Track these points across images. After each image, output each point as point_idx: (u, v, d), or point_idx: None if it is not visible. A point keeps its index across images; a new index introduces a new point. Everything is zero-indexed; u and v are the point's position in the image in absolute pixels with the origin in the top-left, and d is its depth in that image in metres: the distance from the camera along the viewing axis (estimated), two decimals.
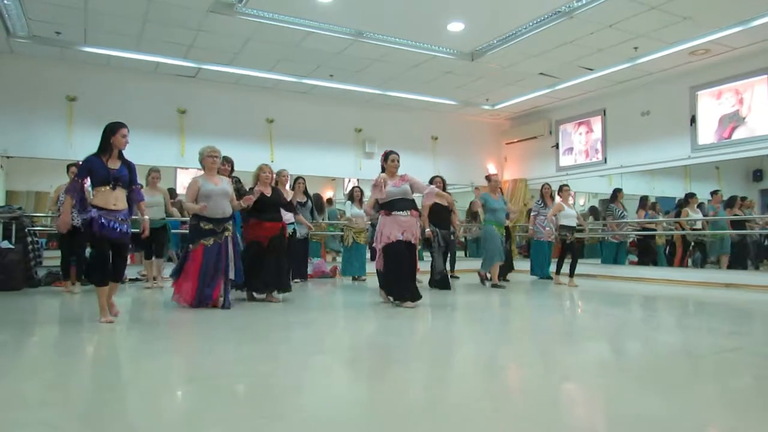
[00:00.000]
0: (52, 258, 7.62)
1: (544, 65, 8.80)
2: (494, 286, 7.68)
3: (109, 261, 4.36)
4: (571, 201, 8.56)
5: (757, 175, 10.02)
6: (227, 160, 6.37)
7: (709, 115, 8.75)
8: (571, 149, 11.12)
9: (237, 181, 6.68)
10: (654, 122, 9.53)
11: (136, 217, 4.71)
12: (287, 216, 6.50)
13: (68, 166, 6.76)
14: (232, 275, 5.35)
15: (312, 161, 10.15)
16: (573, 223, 8.15)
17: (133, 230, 4.65)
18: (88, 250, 6.52)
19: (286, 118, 10.07)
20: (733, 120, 8.43)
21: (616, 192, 9.71)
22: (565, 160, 11.18)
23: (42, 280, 7.40)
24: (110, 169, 4.29)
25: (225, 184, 5.48)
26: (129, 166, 4.48)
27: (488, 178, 8.24)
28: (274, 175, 6.40)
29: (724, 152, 8.57)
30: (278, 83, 9.55)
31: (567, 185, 8.60)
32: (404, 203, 5.49)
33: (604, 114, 10.46)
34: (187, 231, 6.10)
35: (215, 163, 5.46)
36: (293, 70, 9.05)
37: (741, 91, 8.35)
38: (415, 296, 5.51)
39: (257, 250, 5.80)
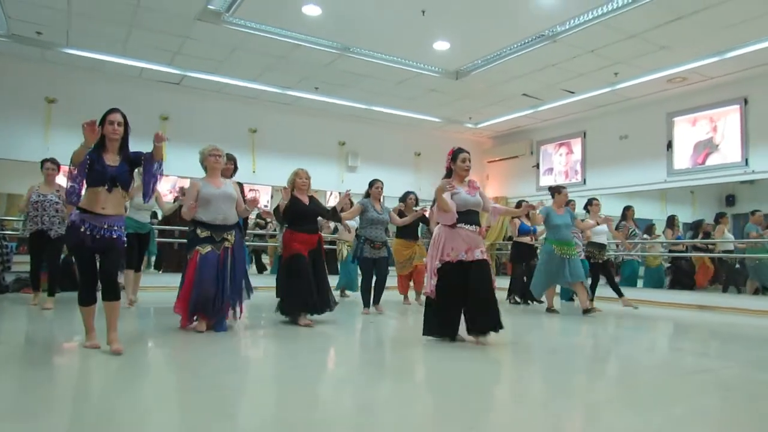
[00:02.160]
0: (23, 263, 7.42)
1: (527, 86, 8.95)
2: (548, 310, 6.93)
3: (93, 277, 3.60)
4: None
5: (730, 200, 10.28)
6: (231, 159, 5.53)
7: (684, 141, 8.98)
8: (551, 169, 11.29)
9: (239, 186, 5.86)
10: (632, 146, 9.74)
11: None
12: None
13: (43, 162, 6.21)
14: (228, 293, 4.58)
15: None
16: (604, 240, 7.39)
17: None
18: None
19: (269, 128, 10.05)
20: (707, 146, 8.66)
21: (626, 210, 8.56)
22: (546, 180, 11.33)
23: (10, 286, 7.20)
24: (108, 165, 3.54)
25: (229, 186, 4.78)
26: (132, 161, 3.69)
27: (558, 190, 6.91)
28: (310, 181, 5.54)
29: (698, 177, 8.79)
30: (262, 93, 9.55)
31: (597, 199, 7.69)
32: (474, 217, 4.44)
33: (585, 136, 10.66)
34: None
35: (218, 163, 4.77)
36: (278, 81, 9.06)
37: (715, 119, 8.59)
38: (495, 325, 4.25)
39: (298, 262, 5.08)
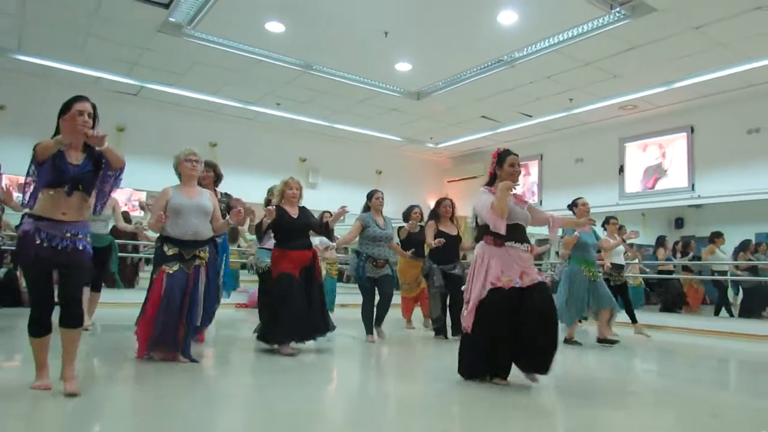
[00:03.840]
0: None
1: (486, 109, 9.15)
2: (567, 341, 5.88)
3: (49, 299, 2.92)
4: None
5: (679, 223, 10.72)
6: (210, 166, 4.91)
7: (635, 166, 9.34)
8: None
9: (226, 197, 5.11)
10: (586, 169, 10.05)
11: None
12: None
13: None
14: (197, 321, 4.04)
15: (255, 188, 9.98)
16: (621, 260, 6.79)
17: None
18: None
19: (229, 143, 9.94)
20: (657, 171, 9.03)
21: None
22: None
23: None
24: (69, 164, 2.92)
25: (204, 197, 4.14)
26: (98, 161, 3.03)
27: (575, 203, 6.01)
28: (301, 192, 4.95)
29: (648, 201, 9.14)
30: (223, 108, 9.45)
31: (615, 217, 6.77)
32: (523, 233, 3.75)
33: (541, 159, 10.95)
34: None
35: (194, 170, 4.14)
36: (239, 96, 9.00)
37: (664, 145, 8.97)
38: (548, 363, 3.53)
39: (287, 284, 4.52)
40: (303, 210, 4.89)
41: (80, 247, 2.96)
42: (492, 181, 3.83)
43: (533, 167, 11.09)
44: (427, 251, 6.09)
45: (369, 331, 5.60)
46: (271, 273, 4.81)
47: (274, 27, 6.51)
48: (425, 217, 6.57)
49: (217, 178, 5.02)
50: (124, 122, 8.94)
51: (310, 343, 4.82)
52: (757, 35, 6.13)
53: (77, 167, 2.94)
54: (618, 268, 6.65)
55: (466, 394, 3.45)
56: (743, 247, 8.38)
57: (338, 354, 5.01)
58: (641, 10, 5.72)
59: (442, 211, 6.08)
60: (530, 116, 9.39)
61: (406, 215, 6.81)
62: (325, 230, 5.08)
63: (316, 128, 10.51)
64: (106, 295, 7.98)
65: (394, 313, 7.26)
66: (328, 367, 4.46)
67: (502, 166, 3.78)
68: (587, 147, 10.07)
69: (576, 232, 5.77)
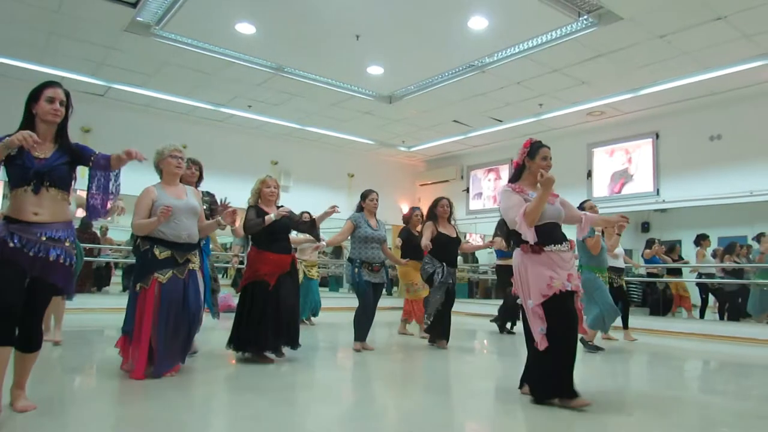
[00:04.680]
0: None
1: (457, 113, 9.22)
2: (592, 347, 5.69)
3: (15, 306, 2.54)
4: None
5: (645, 227, 10.94)
6: (195, 163, 4.64)
7: (602, 171, 9.53)
8: (480, 194, 11.63)
9: (209, 196, 4.85)
10: (555, 173, 10.04)
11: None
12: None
13: None
14: (198, 328, 3.84)
15: (226, 191, 9.84)
16: (621, 263, 6.73)
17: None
18: None
19: (199, 145, 9.73)
20: (623, 176, 9.23)
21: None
22: (475, 204, 11.67)
23: None
24: (33, 158, 2.64)
25: (191, 197, 3.87)
26: (74, 151, 2.79)
27: (581, 206, 5.63)
28: (279, 191, 4.71)
29: (615, 205, 9.30)
30: (194, 109, 9.32)
31: None
32: (560, 232, 3.36)
33: (511, 163, 11.05)
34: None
35: (179, 167, 3.85)
36: (210, 98, 8.89)
37: (630, 151, 9.18)
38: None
39: (260, 293, 4.27)
40: (286, 212, 4.56)
41: (52, 258, 2.62)
42: (518, 175, 3.44)
43: (504, 171, 11.21)
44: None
45: (358, 338, 5.26)
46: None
47: (245, 28, 6.45)
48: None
49: (200, 177, 4.74)
50: (91, 123, 8.73)
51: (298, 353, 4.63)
52: (717, 45, 6.32)
53: (44, 161, 2.65)
54: (618, 270, 6.55)
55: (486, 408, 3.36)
56: (729, 250, 8.43)
57: (339, 366, 4.81)
58: (608, 18, 5.85)
59: (440, 211, 5.79)
60: (501, 121, 9.50)
61: (407, 218, 6.84)
62: (312, 227, 4.80)
63: (288, 131, 10.45)
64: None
65: (389, 318, 7.31)
66: (335, 383, 4.13)
67: (534, 158, 3.37)
68: (556, 152, 9.93)
69: (597, 233, 5.48)
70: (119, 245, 10.06)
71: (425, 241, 5.46)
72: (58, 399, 3.21)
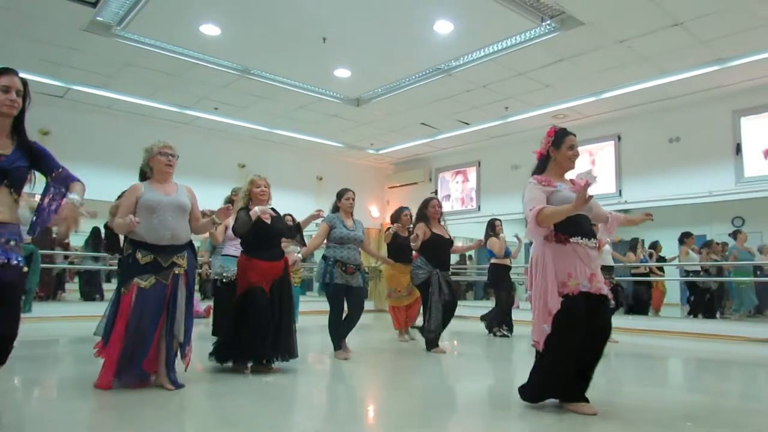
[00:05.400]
0: None
1: (425, 116, 9.28)
2: None
3: None
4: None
5: None
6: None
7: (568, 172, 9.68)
8: (448, 196, 11.72)
9: None
10: (522, 175, 10.23)
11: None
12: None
13: None
14: (181, 337, 3.48)
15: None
16: (610, 261, 6.57)
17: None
18: None
19: None
20: (587, 178, 9.39)
21: None
22: (443, 206, 11.73)
23: None
24: None
25: (182, 194, 3.62)
26: (34, 152, 2.62)
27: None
28: (270, 190, 4.36)
29: None
30: (157, 111, 9.15)
31: None
32: (588, 226, 3.13)
33: (479, 165, 11.21)
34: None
35: (171, 165, 3.61)
36: (175, 100, 8.74)
37: (593, 152, 9.38)
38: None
39: (257, 299, 4.02)
40: (275, 212, 4.33)
41: (11, 262, 2.43)
42: (543, 166, 3.22)
43: (471, 173, 11.34)
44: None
45: (337, 347, 5.03)
46: (235, 284, 4.31)
47: (210, 30, 6.37)
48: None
49: None
50: (49, 125, 8.49)
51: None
52: (674, 50, 6.52)
53: (5, 158, 2.47)
54: (608, 269, 6.43)
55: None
56: (707, 246, 8.65)
57: (332, 375, 4.55)
58: (570, 23, 5.97)
59: (431, 212, 5.60)
60: (468, 124, 9.60)
61: (396, 218, 6.66)
62: (296, 231, 4.66)
63: (255, 133, 10.35)
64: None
65: (378, 323, 7.15)
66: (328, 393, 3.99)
67: (560, 147, 3.18)
68: (523, 154, 10.36)
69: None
70: (75, 250, 9.77)
71: (416, 240, 5.30)
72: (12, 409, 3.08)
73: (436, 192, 11.88)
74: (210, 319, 6.72)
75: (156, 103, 8.79)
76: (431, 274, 5.32)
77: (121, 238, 4.03)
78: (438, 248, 5.41)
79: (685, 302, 9.09)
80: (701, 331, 7.71)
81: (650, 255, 9.12)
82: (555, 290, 2.94)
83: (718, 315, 8.44)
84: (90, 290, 9.51)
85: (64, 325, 7.38)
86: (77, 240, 9.74)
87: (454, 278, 6.95)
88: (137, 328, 3.33)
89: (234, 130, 10.09)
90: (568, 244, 2.98)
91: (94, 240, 9.41)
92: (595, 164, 9.34)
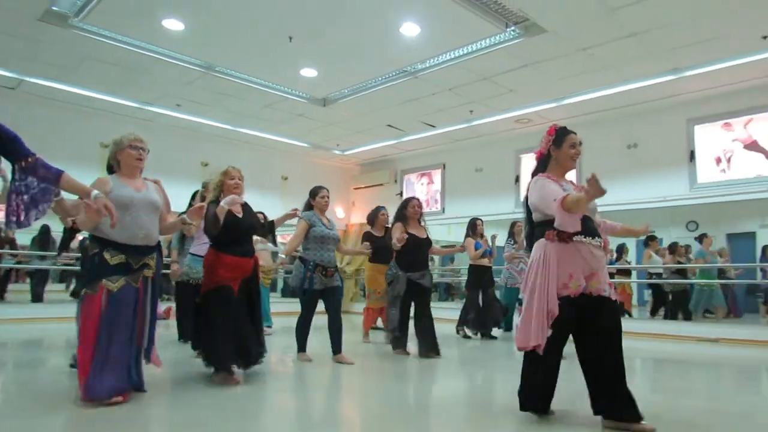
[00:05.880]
0: None
1: (391, 118, 9.31)
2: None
3: None
4: None
5: None
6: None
7: (529, 176, 9.85)
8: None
9: None
10: (486, 179, 10.50)
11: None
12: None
13: None
14: (144, 343, 3.33)
15: None
16: None
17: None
18: None
19: None
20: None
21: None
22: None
23: None
24: None
25: (151, 191, 3.40)
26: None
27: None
28: (243, 183, 4.16)
29: None
30: (117, 107, 8.91)
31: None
32: (593, 225, 3.00)
33: (444, 168, 11.31)
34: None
35: (141, 160, 3.37)
36: (135, 95, 8.53)
37: None
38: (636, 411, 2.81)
39: (223, 301, 3.78)
40: (247, 208, 4.10)
41: None
42: (543, 166, 3.13)
43: (436, 176, 11.42)
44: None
45: (302, 348, 4.92)
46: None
47: (173, 24, 6.24)
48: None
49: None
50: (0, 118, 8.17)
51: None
52: (633, 59, 6.71)
53: None
54: None
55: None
56: (672, 250, 8.85)
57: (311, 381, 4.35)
58: (533, 30, 6.08)
59: (410, 212, 5.47)
60: (433, 126, 9.67)
61: (372, 218, 6.56)
62: (270, 230, 4.47)
63: (219, 132, 10.19)
64: None
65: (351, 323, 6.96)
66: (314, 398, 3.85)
67: (561, 146, 3.09)
68: (486, 157, 10.54)
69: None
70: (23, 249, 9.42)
71: (396, 239, 5.16)
72: None
73: (401, 194, 11.93)
74: (168, 322, 6.56)
75: (115, 98, 8.56)
76: (395, 276, 5.27)
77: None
78: (413, 249, 5.28)
79: (642, 303, 9.31)
80: (665, 332, 7.94)
81: (617, 258, 9.37)
82: (554, 292, 2.83)
83: (680, 316, 8.65)
84: (40, 291, 9.18)
85: (9, 328, 7.09)
86: (24, 238, 9.40)
87: None
88: (109, 337, 3.06)
89: (197, 127, 9.92)
90: (571, 242, 2.86)
91: (41, 238, 9.11)
92: None
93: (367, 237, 6.41)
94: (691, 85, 7.48)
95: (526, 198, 3.12)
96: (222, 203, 3.81)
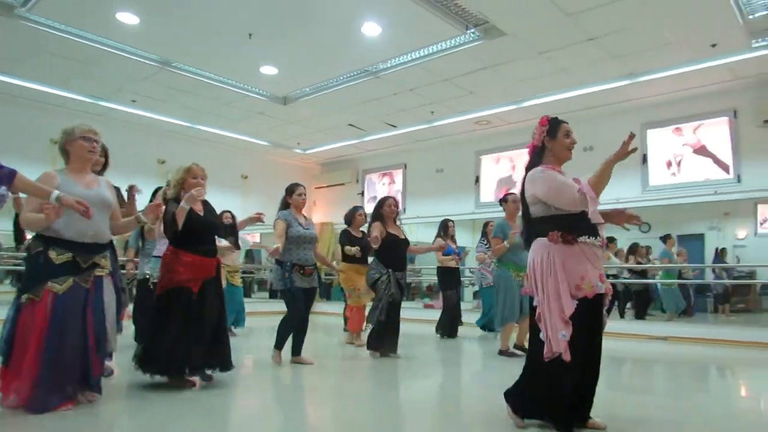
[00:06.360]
0: None
1: (352, 117, 9.28)
2: (502, 353, 5.47)
3: None
4: None
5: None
6: (102, 149, 3.75)
7: (489, 177, 10.02)
8: (375, 197, 11.74)
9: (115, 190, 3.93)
10: (447, 179, 10.59)
11: None
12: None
13: None
14: (110, 346, 3.19)
15: None
16: None
17: None
18: None
19: None
20: (507, 183, 9.76)
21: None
22: (369, 208, 11.72)
23: None
24: None
25: (103, 188, 3.23)
26: None
27: (505, 198, 5.88)
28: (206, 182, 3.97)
29: (500, 210, 9.76)
30: (69, 101, 8.59)
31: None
32: (590, 222, 2.80)
33: (405, 168, 11.35)
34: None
35: (93, 152, 3.20)
36: (88, 90, 8.25)
37: (514, 159, 9.73)
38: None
39: (181, 303, 3.62)
40: (208, 206, 3.94)
41: None
42: (538, 159, 2.96)
43: (398, 176, 11.47)
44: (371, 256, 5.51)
45: (279, 346, 4.77)
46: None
47: (127, 18, 6.05)
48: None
49: (106, 165, 3.93)
50: None
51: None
52: (590, 63, 6.88)
53: None
54: None
55: None
56: (632, 251, 9.03)
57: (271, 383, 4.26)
58: (493, 33, 6.16)
59: (386, 211, 5.36)
60: (395, 126, 9.69)
61: (349, 218, 6.47)
62: (231, 232, 4.30)
63: (176, 128, 9.96)
64: None
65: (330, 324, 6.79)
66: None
67: (555, 136, 2.94)
68: (447, 158, 10.63)
69: (505, 243, 5.31)
70: None
71: (375, 236, 5.09)
72: None
73: (362, 193, 11.92)
74: (123, 323, 6.33)
75: (67, 92, 8.26)
76: (382, 275, 5.17)
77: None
78: (393, 248, 5.23)
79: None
80: (618, 330, 8.10)
81: None
82: (568, 294, 2.66)
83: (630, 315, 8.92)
84: None
85: None
86: None
87: None
88: (59, 342, 2.85)
89: (154, 124, 9.66)
90: (576, 244, 2.72)
91: None
92: (515, 170, 9.69)
93: (345, 237, 6.36)
94: (645, 91, 7.72)
95: (522, 192, 2.95)
96: (182, 203, 3.65)
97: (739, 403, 4.12)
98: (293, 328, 4.76)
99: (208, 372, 3.80)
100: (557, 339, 2.60)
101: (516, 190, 9.32)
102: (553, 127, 2.93)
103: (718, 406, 3.78)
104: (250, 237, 11.48)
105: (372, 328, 5.29)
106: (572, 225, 2.74)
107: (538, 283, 2.75)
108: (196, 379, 3.75)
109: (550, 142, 2.94)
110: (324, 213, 12.67)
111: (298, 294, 4.65)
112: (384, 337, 5.26)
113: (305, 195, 4.95)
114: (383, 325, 5.17)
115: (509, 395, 2.88)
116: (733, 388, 4.84)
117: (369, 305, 6.30)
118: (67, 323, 2.92)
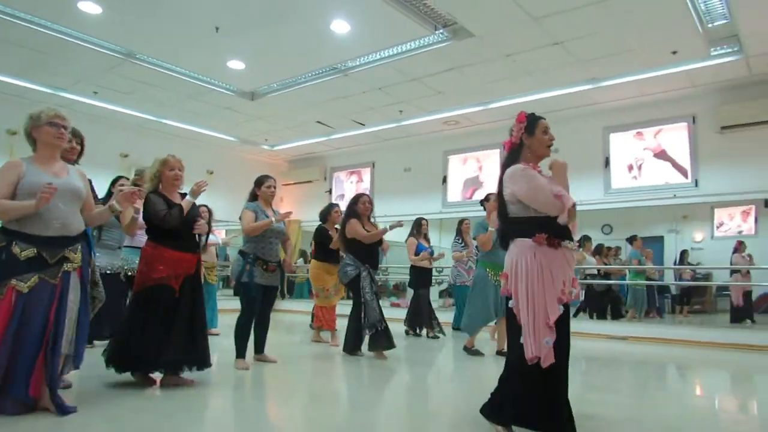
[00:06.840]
0: None
1: (320, 114, 9.24)
2: (466, 350, 5.52)
3: None
4: None
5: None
6: (75, 135, 3.65)
7: (456, 177, 10.11)
8: (342, 195, 11.73)
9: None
10: (415, 178, 10.65)
11: None
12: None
13: None
14: (68, 348, 2.92)
15: None
16: None
17: None
18: None
19: None
20: (474, 183, 9.87)
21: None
22: (341, 206, 11.76)
23: None
24: None
25: (73, 176, 3.07)
26: None
27: (486, 198, 5.84)
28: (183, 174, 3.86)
29: (466, 210, 9.88)
30: (28, 92, 8.30)
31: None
32: (566, 227, 2.73)
33: (373, 166, 11.36)
34: None
35: (61, 139, 3.01)
36: (48, 81, 8.00)
37: (481, 159, 9.84)
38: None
39: (162, 300, 3.54)
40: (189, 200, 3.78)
41: None
42: (515, 156, 2.88)
43: (366, 174, 11.47)
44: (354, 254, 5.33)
45: (241, 354, 4.48)
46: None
47: (89, 7, 5.89)
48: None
49: (81, 152, 3.78)
50: None
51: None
52: (555, 67, 7.01)
53: None
54: None
55: None
56: (598, 251, 9.16)
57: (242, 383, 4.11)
58: (461, 34, 6.21)
59: (361, 208, 5.34)
60: (363, 125, 9.69)
61: (325, 215, 6.37)
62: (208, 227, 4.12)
63: (140, 122, 9.74)
64: None
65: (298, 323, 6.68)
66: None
67: (533, 132, 2.85)
68: (415, 157, 10.68)
69: (491, 228, 5.18)
70: None
71: (363, 232, 5.10)
72: None
73: (330, 191, 11.88)
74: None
75: (25, 82, 7.98)
76: (361, 270, 5.09)
77: None
78: (373, 246, 5.21)
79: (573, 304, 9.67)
80: (579, 330, 8.27)
81: None
82: (554, 299, 2.60)
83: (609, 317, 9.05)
84: None
85: None
86: None
87: None
88: (15, 341, 2.72)
89: (116, 116, 9.43)
90: (559, 248, 2.66)
91: None
92: (482, 170, 9.81)
93: (321, 233, 6.28)
94: (607, 95, 7.91)
95: (500, 191, 2.86)
96: (188, 197, 3.71)
97: (693, 402, 4.27)
98: (249, 330, 4.54)
99: (186, 374, 3.72)
100: (541, 345, 2.54)
101: (482, 190, 9.47)
102: (531, 123, 2.87)
103: (674, 404, 3.91)
104: (217, 233, 11.31)
105: (375, 323, 5.09)
106: (554, 228, 2.66)
107: (520, 285, 2.65)
108: (187, 378, 3.70)
109: (528, 139, 2.86)
110: (291, 210, 12.56)
111: (256, 291, 4.44)
112: (383, 337, 5.14)
113: (275, 187, 4.81)
114: (384, 320, 5.15)
115: (490, 410, 2.76)
116: (689, 387, 5.01)
117: (339, 304, 6.41)
118: (28, 325, 2.77)
